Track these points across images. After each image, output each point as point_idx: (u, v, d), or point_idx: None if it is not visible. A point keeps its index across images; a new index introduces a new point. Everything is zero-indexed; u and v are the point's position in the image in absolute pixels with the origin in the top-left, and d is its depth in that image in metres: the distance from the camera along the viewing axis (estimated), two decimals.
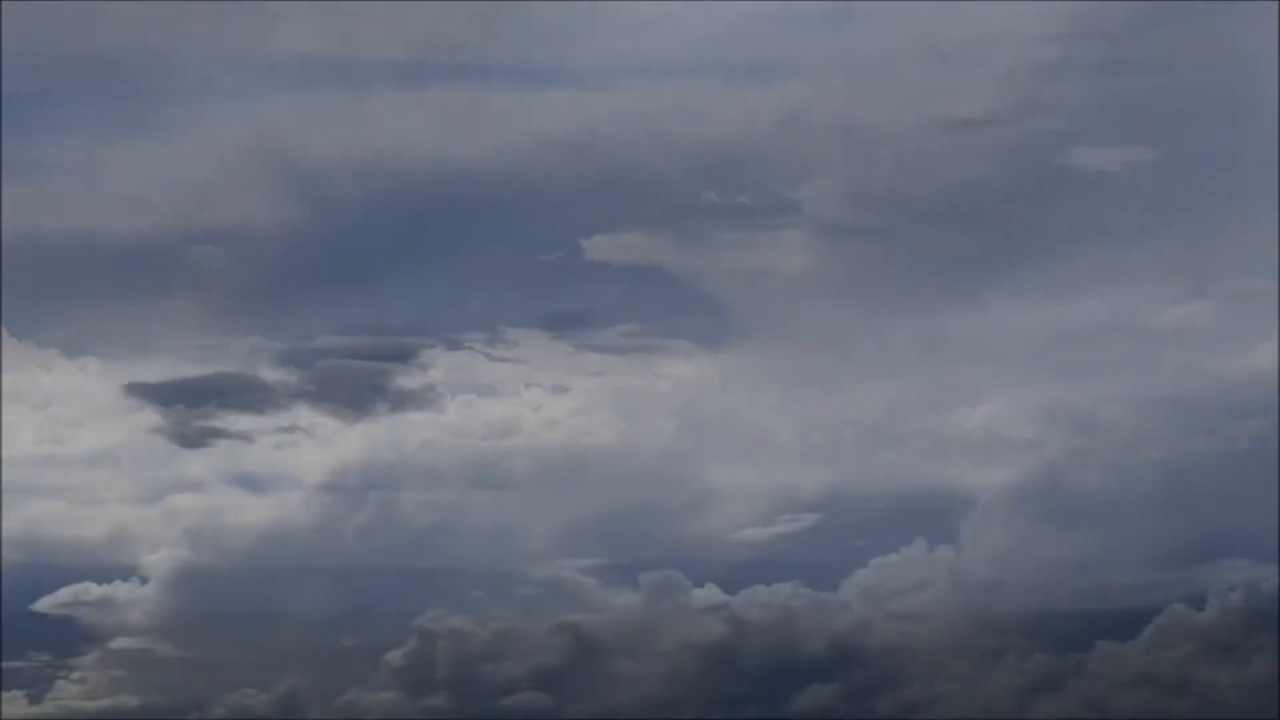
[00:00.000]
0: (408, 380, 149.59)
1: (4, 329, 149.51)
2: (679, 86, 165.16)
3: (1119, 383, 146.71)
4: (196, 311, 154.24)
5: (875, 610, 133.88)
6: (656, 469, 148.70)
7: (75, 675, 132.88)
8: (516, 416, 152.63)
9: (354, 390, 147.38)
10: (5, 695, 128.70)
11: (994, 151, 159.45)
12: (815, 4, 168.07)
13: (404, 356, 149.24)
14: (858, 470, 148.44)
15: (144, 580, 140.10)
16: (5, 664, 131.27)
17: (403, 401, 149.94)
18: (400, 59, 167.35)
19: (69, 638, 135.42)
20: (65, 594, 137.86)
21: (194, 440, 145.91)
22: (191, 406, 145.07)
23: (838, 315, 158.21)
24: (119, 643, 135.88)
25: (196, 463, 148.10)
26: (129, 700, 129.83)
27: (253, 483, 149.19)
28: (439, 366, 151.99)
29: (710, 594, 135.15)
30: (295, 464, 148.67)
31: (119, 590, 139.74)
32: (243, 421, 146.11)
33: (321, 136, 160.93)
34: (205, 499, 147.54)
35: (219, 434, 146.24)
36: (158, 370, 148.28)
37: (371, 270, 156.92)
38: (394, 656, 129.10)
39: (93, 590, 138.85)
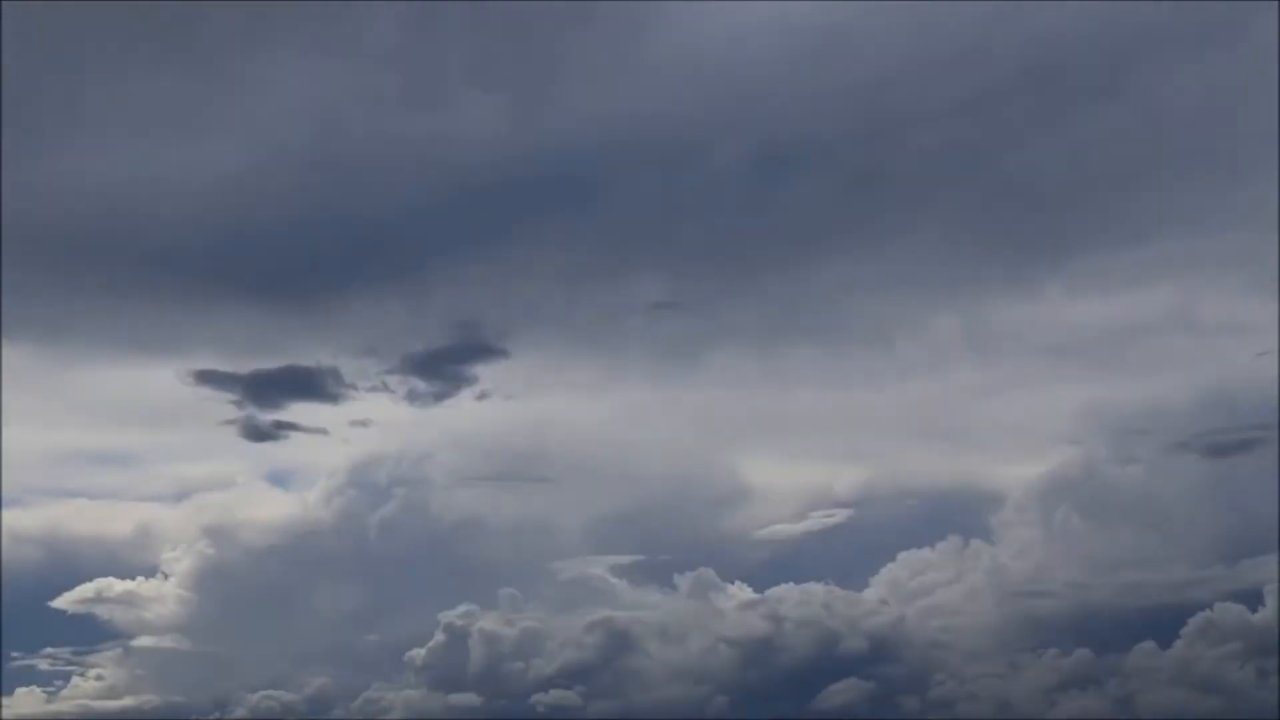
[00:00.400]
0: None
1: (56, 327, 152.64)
2: None
3: (1167, 377, 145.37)
4: (268, 303, 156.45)
5: (906, 606, 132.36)
6: (692, 465, 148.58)
7: (93, 672, 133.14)
8: (553, 411, 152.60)
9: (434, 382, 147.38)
10: (22, 691, 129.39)
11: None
12: None
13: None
14: (893, 466, 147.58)
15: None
16: (23, 660, 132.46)
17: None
18: None
19: (89, 634, 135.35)
20: (86, 590, 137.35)
21: (266, 433, 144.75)
22: (263, 399, 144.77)
23: (885, 309, 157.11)
24: (140, 640, 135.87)
25: (262, 456, 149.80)
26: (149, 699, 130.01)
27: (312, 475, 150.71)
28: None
29: (740, 591, 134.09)
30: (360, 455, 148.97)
31: (145, 586, 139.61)
32: (317, 414, 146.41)
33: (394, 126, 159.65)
34: (240, 494, 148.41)
35: (292, 427, 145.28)
36: (228, 364, 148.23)
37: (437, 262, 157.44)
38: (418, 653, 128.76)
39: (115, 586, 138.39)
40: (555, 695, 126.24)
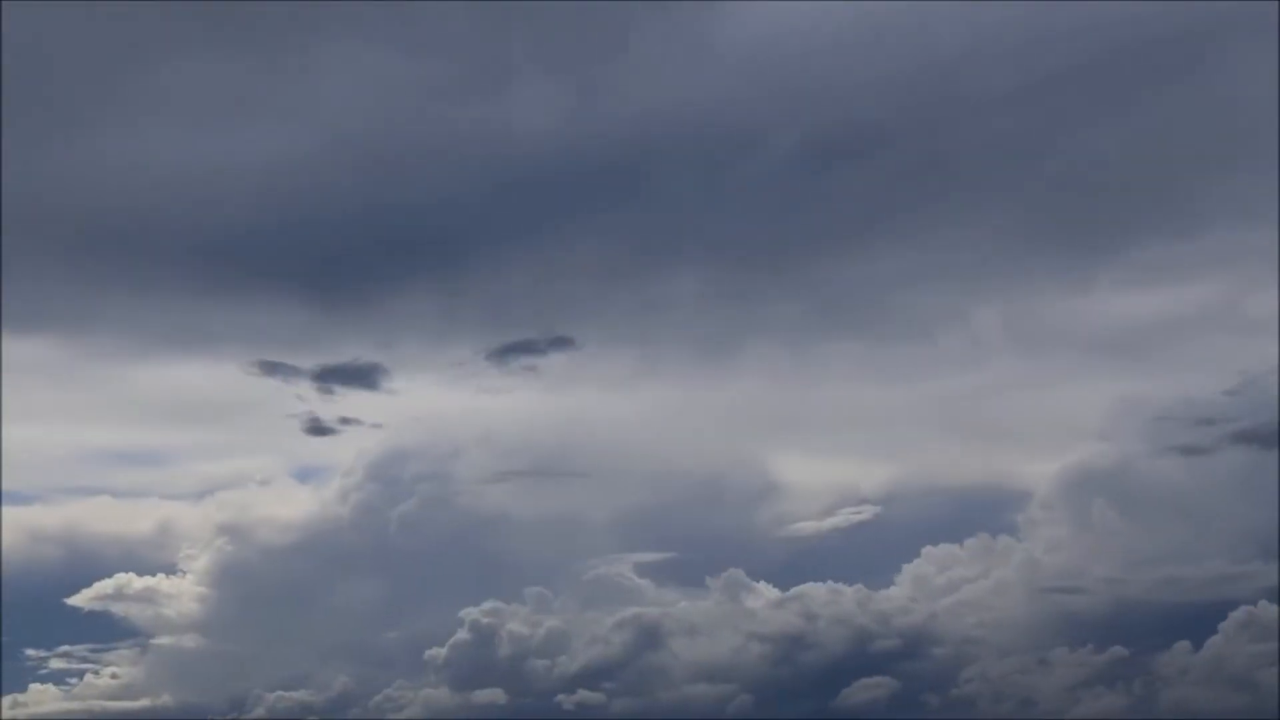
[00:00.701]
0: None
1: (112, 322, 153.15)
2: None
3: (1209, 371, 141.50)
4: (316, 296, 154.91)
5: (935, 603, 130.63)
6: (723, 461, 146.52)
7: (108, 670, 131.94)
8: (585, 405, 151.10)
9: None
10: (38, 688, 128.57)
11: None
12: None
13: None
14: (924, 462, 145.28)
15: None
16: (39, 658, 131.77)
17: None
18: None
19: (106, 632, 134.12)
20: (103, 588, 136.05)
21: (325, 428, 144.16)
22: (324, 392, 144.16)
23: (927, 301, 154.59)
24: (156, 638, 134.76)
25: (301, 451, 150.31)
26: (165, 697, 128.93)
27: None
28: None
29: (767, 589, 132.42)
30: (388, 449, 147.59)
31: (163, 584, 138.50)
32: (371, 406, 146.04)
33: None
34: (269, 491, 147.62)
35: (351, 421, 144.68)
36: (289, 358, 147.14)
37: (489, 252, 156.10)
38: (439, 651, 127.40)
39: (133, 584, 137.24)
40: (581, 694, 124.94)
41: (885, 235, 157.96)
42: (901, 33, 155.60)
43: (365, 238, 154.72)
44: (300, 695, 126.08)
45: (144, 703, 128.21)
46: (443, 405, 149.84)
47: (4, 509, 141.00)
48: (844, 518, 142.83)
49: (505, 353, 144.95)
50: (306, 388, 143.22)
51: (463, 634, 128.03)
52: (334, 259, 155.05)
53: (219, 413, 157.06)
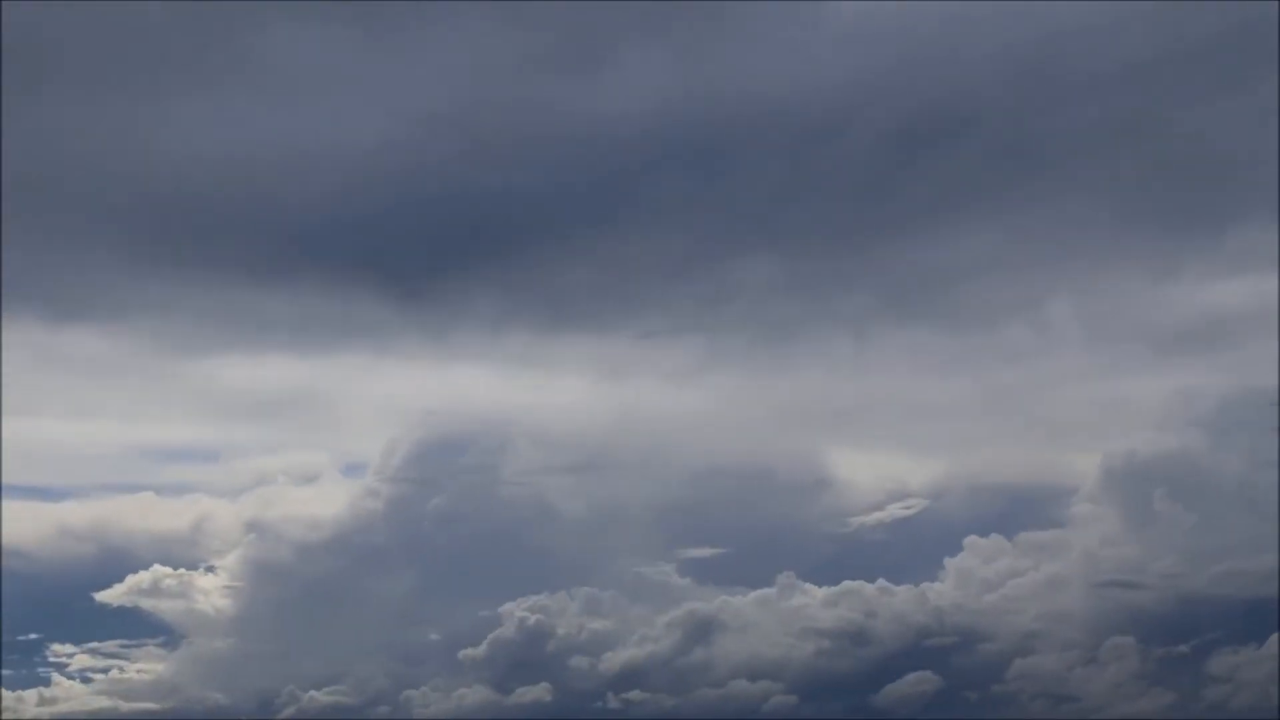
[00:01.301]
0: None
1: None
2: None
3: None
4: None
5: (984, 598, 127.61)
6: (776, 454, 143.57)
7: (136, 667, 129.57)
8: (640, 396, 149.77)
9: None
10: (65, 684, 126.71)
11: None
12: None
13: None
14: (982, 454, 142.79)
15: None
16: (67, 653, 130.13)
17: None
18: None
19: (135, 628, 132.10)
20: (133, 584, 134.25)
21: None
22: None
23: (1000, 289, 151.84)
24: (186, 635, 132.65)
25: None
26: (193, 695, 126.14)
27: None
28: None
29: (811, 585, 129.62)
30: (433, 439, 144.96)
31: (194, 581, 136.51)
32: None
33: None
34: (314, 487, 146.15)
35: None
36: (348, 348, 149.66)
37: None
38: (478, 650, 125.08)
39: (165, 581, 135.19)
40: (625, 692, 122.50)
41: (964, 222, 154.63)
42: (991, 17, 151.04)
43: (441, 224, 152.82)
44: (335, 694, 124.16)
45: (172, 701, 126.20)
46: (495, 394, 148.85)
47: (37, 506, 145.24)
48: (891, 512, 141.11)
49: (563, 342, 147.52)
50: (362, 379, 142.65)
51: (503, 631, 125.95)
52: (405, 248, 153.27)
53: (277, 407, 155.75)
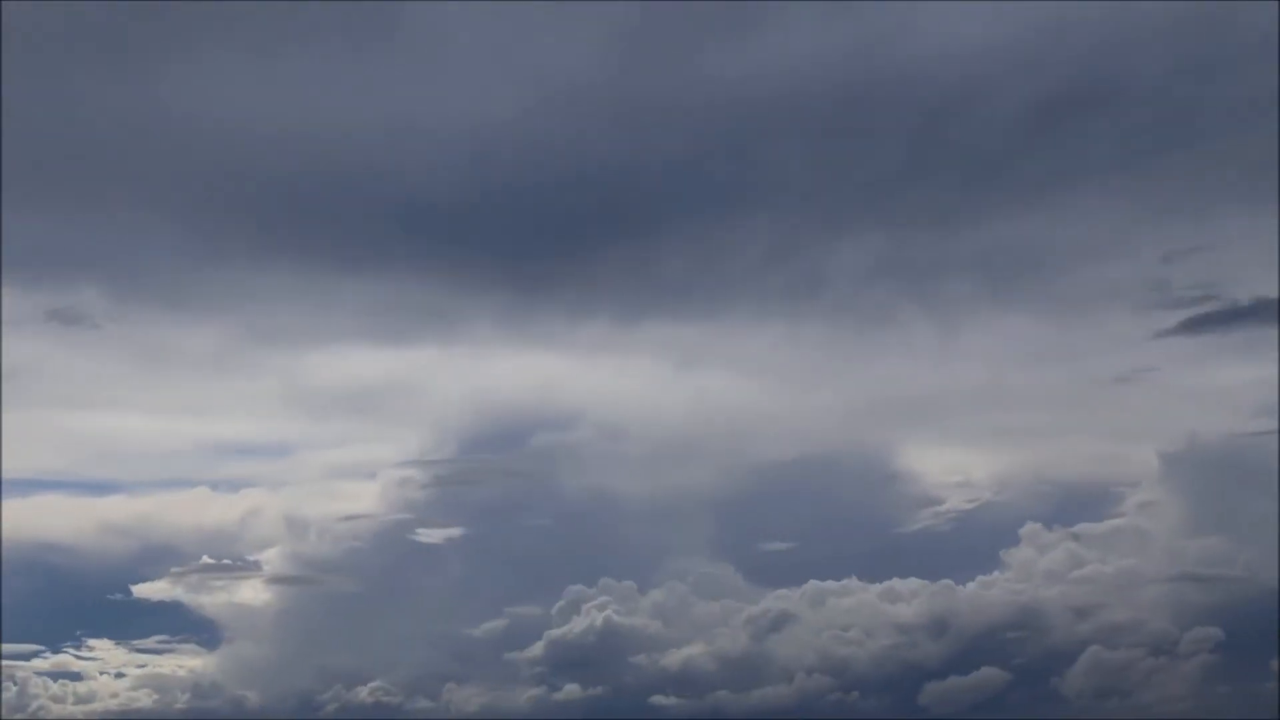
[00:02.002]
0: None
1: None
2: None
3: None
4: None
5: (1045, 591, 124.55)
6: (844, 446, 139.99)
7: (173, 661, 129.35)
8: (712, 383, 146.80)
9: None
10: (103, 678, 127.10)
11: None
12: None
13: None
14: (1062, 446, 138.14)
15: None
16: (102, 648, 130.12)
17: None
18: None
19: (175, 624, 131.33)
20: (175, 579, 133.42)
21: None
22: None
23: (1114, 271, 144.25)
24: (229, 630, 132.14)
25: None
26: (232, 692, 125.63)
27: None
28: None
29: (866, 582, 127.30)
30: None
31: (237, 577, 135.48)
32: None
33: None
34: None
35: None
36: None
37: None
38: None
39: (207, 576, 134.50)
40: (683, 690, 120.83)
41: (1085, 201, 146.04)
42: None
43: (527, 209, 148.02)
44: (378, 691, 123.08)
45: (210, 697, 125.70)
46: (568, 383, 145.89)
47: (81, 500, 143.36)
48: (955, 506, 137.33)
49: (642, 329, 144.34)
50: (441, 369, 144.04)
51: (557, 626, 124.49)
52: (490, 232, 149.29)
53: (352, 399, 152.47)
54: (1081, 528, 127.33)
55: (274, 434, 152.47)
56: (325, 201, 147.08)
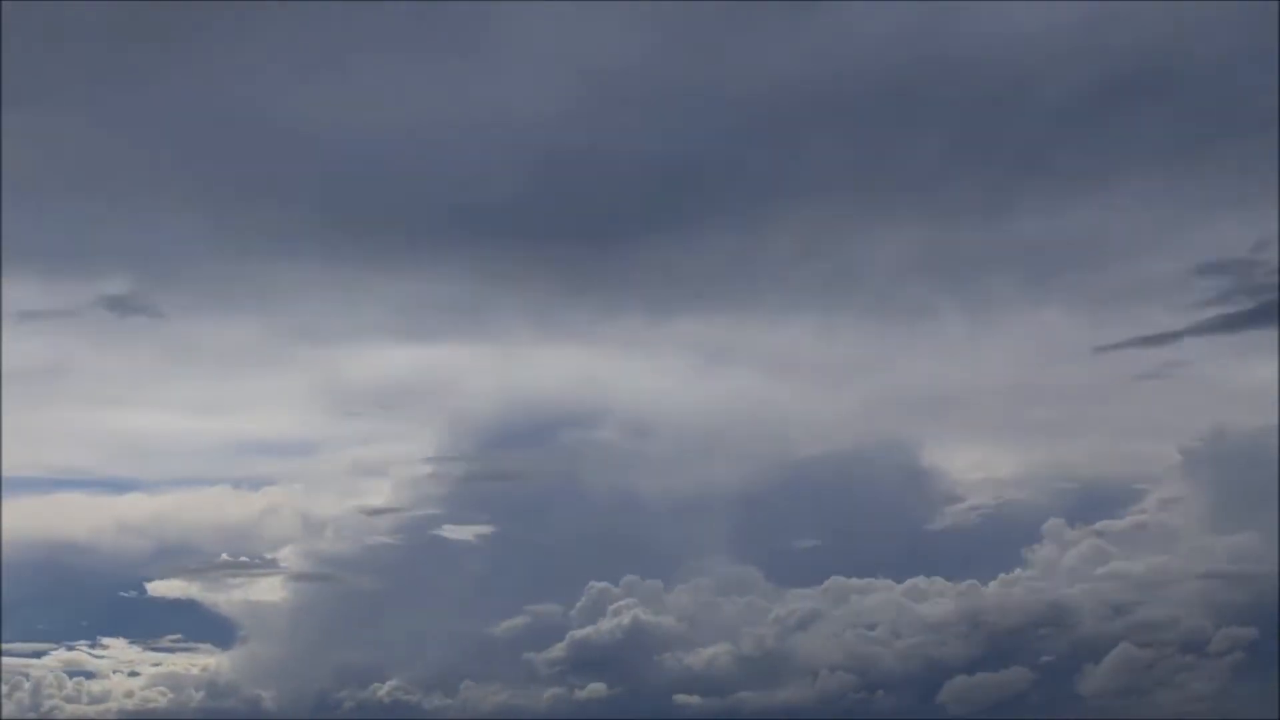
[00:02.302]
0: None
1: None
2: None
3: None
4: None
5: (1069, 589, 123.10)
6: (873, 443, 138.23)
7: (186, 659, 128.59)
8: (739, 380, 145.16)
9: None
10: (117, 676, 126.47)
11: None
12: None
13: None
14: (1086, 444, 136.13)
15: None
16: (118, 646, 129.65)
17: None
18: None
19: (190, 622, 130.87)
20: (187, 577, 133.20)
21: None
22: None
23: (1160, 262, 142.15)
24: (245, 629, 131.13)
25: None
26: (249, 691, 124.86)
27: None
28: None
29: (886, 581, 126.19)
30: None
31: (254, 575, 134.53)
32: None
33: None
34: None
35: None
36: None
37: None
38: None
39: (225, 574, 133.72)
40: (697, 689, 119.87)
41: (1135, 191, 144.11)
42: None
43: (566, 203, 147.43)
44: (398, 688, 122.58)
45: (225, 694, 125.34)
46: (595, 379, 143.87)
47: (98, 499, 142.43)
48: (976, 504, 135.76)
49: (672, 324, 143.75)
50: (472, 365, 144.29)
51: (577, 624, 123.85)
52: (524, 228, 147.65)
53: (382, 396, 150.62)
54: (1104, 524, 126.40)
55: (301, 430, 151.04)
56: (356, 197, 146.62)
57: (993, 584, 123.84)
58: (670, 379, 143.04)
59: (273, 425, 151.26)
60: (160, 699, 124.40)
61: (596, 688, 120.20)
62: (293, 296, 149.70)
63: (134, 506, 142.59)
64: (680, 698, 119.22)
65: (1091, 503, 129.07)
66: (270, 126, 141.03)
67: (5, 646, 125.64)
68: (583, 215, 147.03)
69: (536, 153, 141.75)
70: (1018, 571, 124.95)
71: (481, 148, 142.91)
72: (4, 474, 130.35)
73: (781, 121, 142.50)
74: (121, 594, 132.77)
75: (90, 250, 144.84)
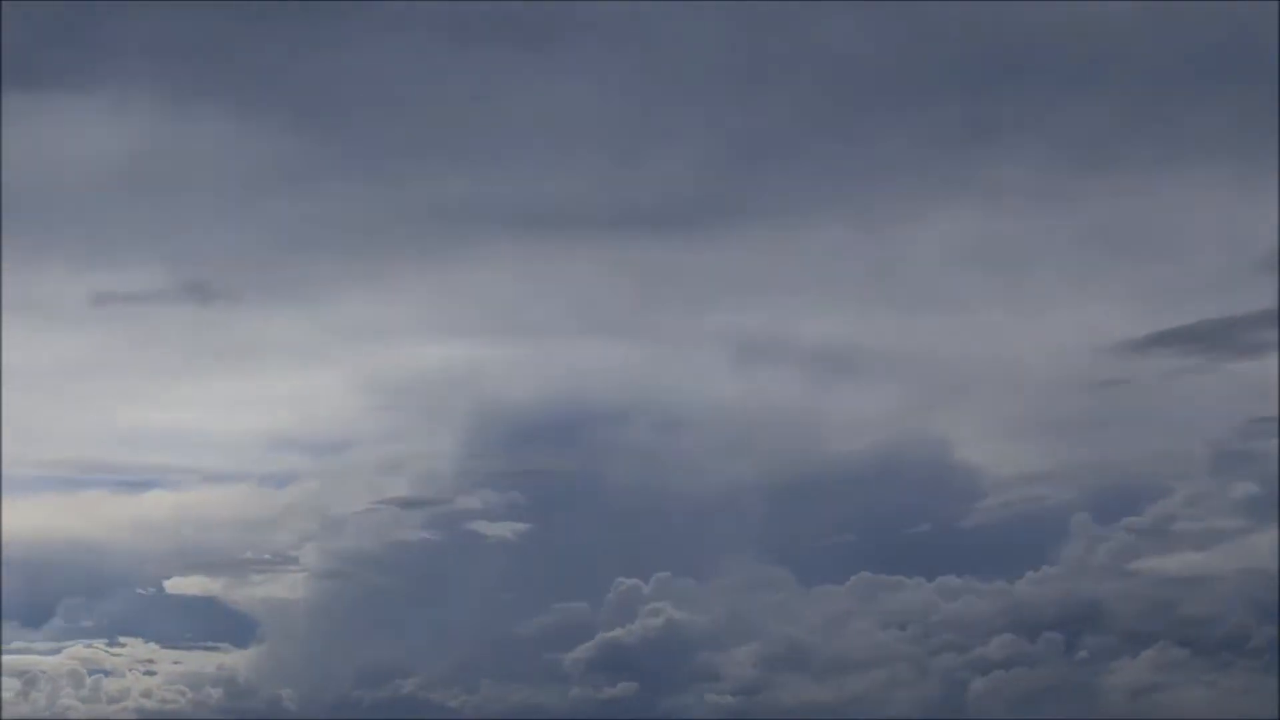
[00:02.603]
0: None
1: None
2: None
3: None
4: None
5: (1101, 587, 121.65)
6: (903, 437, 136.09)
7: (204, 659, 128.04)
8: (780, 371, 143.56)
9: None
10: (130, 674, 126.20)
11: None
12: None
13: None
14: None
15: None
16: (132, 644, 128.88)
17: None
18: None
19: (207, 620, 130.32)
20: (205, 575, 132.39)
21: None
22: None
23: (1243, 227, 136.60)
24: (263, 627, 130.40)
25: None
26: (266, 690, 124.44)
27: None
28: None
29: (913, 580, 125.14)
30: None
31: (275, 572, 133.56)
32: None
33: None
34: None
35: None
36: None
37: None
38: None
39: (244, 572, 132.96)
40: (726, 689, 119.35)
41: (1191, 184, 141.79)
42: None
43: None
44: (418, 686, 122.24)
45: (242, 693, 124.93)
46: (630, 372, 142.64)
47: (117, 497, 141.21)
48: (1008, 498, 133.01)
49: (711, 318, 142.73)
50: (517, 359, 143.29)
51: (604, 622, 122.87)
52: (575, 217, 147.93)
53: (417, 390, 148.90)
54: (1131, 521, 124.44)
55: (331, 426, 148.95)
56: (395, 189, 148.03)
57: (1020, 582, 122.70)
58: (703, 374, 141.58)
59: (302, 420, 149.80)
60: (178, 698, 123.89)
61: (622, 686, 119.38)
62: (333, 290, 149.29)
63: (155, 503, 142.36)
64: (709, 696, 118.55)
65: (1121, 498, 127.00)
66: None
67: (21, 645, 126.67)
68: (635, 206, 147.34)
69: (578, 145, 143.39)
70: (1044, 569, 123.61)
71: (525, 140, 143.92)
72: (21, 471, 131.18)
73: (841, 104, 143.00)
74: (139, 591, 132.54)
75: (113, 238, 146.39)
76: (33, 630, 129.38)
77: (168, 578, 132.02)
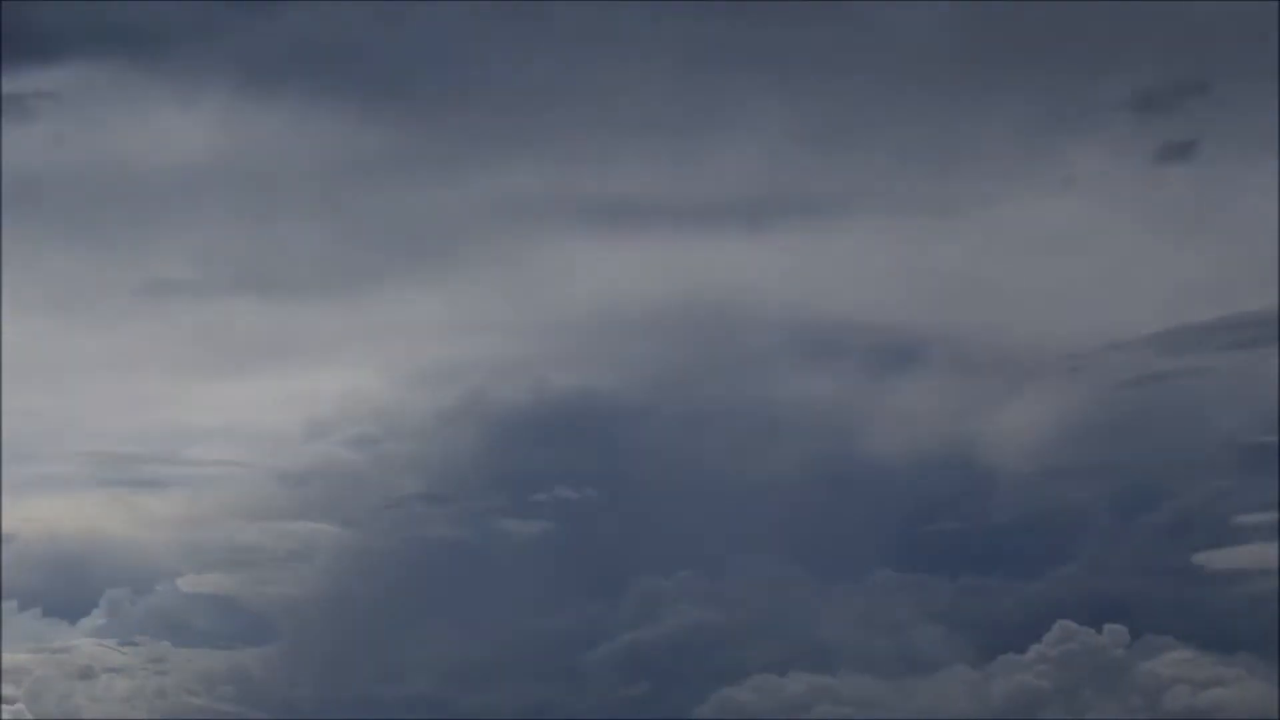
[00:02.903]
0: None
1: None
2: None
3: None
4: None
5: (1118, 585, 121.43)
6: (929, 440, 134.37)
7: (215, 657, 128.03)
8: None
9: None
10: (141, 673, 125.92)
11: None
12: None
13: None
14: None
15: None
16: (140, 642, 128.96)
17: None
18: None
19: (218, 618, 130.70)
20: (220, 571, 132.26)
21: None
22: None
23: None
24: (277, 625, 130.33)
25: None
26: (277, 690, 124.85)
27: None
28: None
29: (938, 579, 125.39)
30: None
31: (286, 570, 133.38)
32: None
33: None
34: None
35: None
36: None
37: None
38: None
39: (255, 569, 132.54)
40: (747, 687, 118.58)
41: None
42: None
43: None
44: (432, 685, 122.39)
45: (254, 692, 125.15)
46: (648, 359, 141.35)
47: (130, 495, 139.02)
48: (1029, 496, 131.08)
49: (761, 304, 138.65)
50: None
51: (626, 621, 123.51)
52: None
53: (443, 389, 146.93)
54: (1152, 517, 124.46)
55: (363, 421, 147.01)
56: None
57: (1038, 583, 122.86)
58: (739, 369, 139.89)
59: (338, 415, 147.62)
60: (192, 697, 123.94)
61: (643, 686, 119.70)
62: (385, 285, 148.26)
63: (171, 500, 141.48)
64: (730, 693, 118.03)
65: (1142, 495, 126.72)
66: None
67: (32, 644, 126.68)
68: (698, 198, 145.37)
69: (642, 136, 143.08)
70: (1062, 568, 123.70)
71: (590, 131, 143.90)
72: (39, 468, 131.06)
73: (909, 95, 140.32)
74: (155, 588, 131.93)
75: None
76: (44, 629, 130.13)
77: (181, 575, 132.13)
